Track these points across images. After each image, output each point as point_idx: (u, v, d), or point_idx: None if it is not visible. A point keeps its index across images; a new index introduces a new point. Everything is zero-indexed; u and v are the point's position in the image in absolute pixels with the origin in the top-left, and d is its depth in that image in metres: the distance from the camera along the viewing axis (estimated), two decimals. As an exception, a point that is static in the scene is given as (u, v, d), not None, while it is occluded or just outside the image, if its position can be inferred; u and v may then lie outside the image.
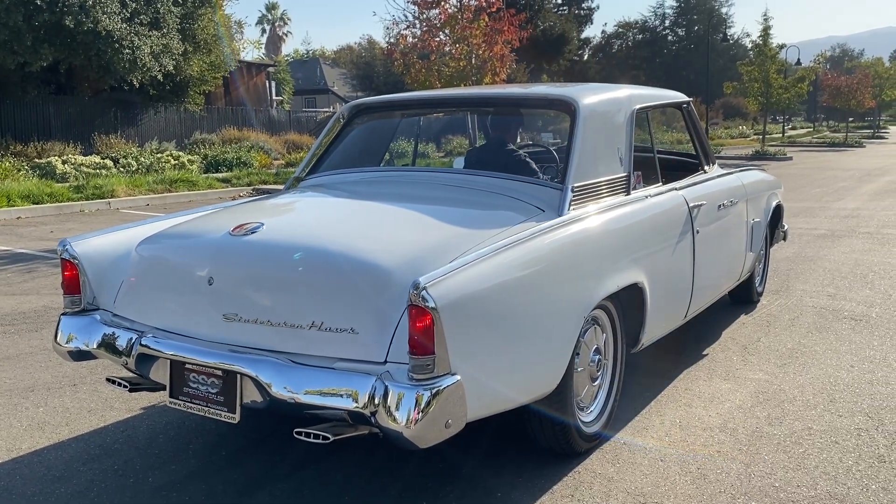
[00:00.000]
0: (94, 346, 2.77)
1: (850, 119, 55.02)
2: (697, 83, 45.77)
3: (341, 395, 2.21)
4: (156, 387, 2.73)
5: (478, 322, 2.30)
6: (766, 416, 3.59)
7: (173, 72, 19.92)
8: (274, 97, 33.45)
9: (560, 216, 2.89)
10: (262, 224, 2.64)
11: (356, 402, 2.19)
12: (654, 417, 3.57)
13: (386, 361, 2.24)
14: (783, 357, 4.45)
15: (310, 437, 2.28)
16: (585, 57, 61.52)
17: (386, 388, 2.16)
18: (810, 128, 66.83)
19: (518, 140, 4.05)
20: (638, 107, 3.58)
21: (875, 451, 3.22)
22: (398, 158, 5.03)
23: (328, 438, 2.26)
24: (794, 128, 66.22)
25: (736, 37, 63.31)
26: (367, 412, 2.18)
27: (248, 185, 15.07)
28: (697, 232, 3.74)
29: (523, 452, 3.14)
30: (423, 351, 2.14)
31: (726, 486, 2.93)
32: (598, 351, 3.09)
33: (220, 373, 2.44)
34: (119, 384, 2.78)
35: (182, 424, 3.46)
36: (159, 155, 17.18)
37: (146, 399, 3.75)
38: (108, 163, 15.74)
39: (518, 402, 2.57)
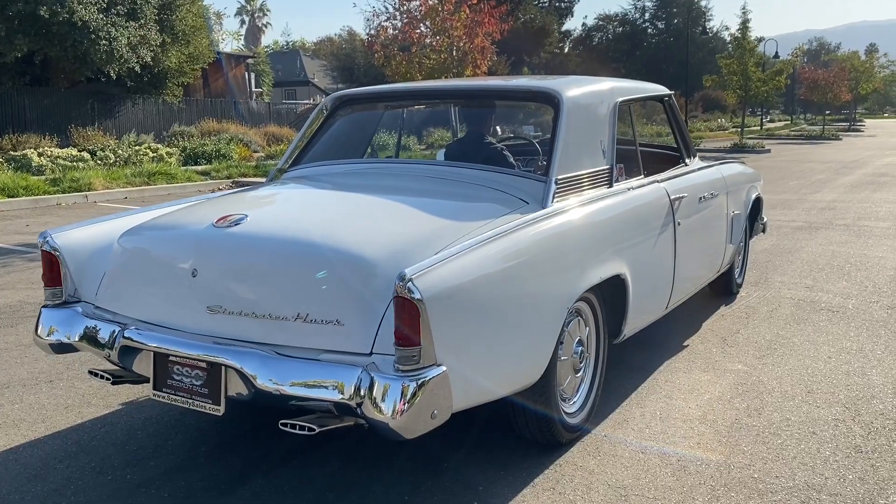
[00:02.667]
0: (76, 339, 2.75)
1: (828, 112, 55.62)
2: (677, 76, 45.99)
3: (327, 387, 2.21)
4: (138, 380, 2.72)
5: (463, 313, 2.29)
6: (745, 408, 3.62)
7: (151, 63, 19.69)
8: (253, 89, 33.20)
9: (544, 208, 2.91)
10: (246, 216, 2.61)
11: (342, 393, 2.19)
12: (635, 410, 3.59)
13: (371, 353, 2.23)
14: (762, 349, 4.49)
15: (295, 429, 2.26)
16: (566, 50, 61.62)
17: (372, 379, 2.16)
18: (788, 121, 67.45)
19: (500, 132, 4.12)
20: (620, 100, 3.59)
21: (852, 442, 3.25)
22: (381, 150, 4.83)
23: (314, 430, 2.24)
24: (772, 120, 66.79)
25: (715, 30, 63.60)
26: (352, 403, 2.18)
27: (228, 177, 14.95)
28: (679, 224, 3.78)
29: (505, 445, 3.15)
30: (409, 342, 2.14)
31: (706, 478, 2.95)
32: (580, 342, 3.11)
33: (204, 365, 2.42)
34: (102, 377, 2.76)
35: (161, 420, 3.43)
36: (137, 147, 16.99)
37: (124, 395, 3.72)
38: (86, 155, 15.55)
39: (502, 393, 2.57)
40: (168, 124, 22.32)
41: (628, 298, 3.24)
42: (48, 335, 2.82)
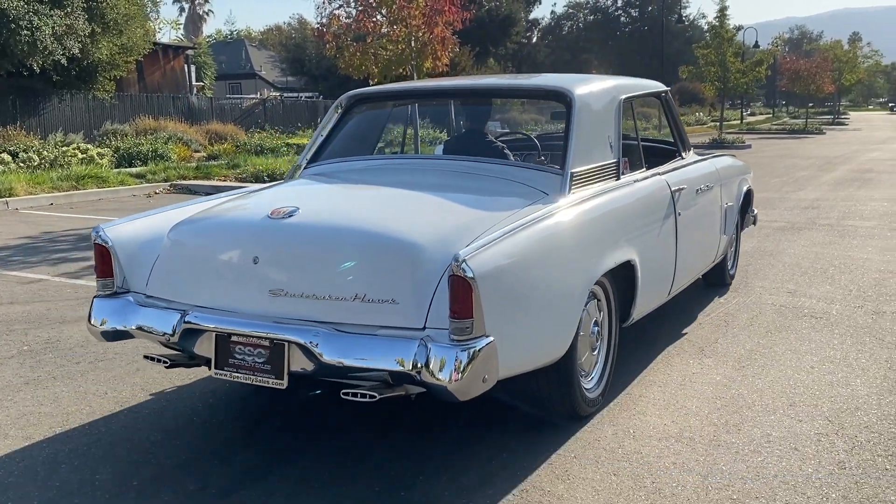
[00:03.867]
0: (134, 327, 3.20)
1: (811, 105, 56.68)
2: (652, 67, 46.62)
3: (388, 358, 2.70)
4: (191, 363, 3.22)
5: (506, 291, 2.80)
6: (723, 423, 3.66)
7: (79, 55, 19.35)
8: (194, 83, 32.85)
9: (563, 199, 3.44)
10: (298, 208, 3.10)
11: (403, 363, 2.67)
12: (606, 427, 3.60)
13: (425, 328, 2.73)
14: (741, 359, 4.55)
15: (356, 397, 2.76)
16: (534, 39, 62.11)
17: (431, 349, 2.66)
18: (769, 114, 68.74)
19: (497, 129, 4.71)
20: (624, 96, 4.12)
21: (835, 458, 3.31)
22: (395, 147, 5.51)
23: (374, 397, 2.74)
24: (752, 114, 68.03)
25: (692, 18, 64.68)
26: (413, 372, 2.66)
27: (166, 180, 14.75)
28: (679, 214, 4.33)
29: (464, 469, 3.15)
30: (463, 315, 2.65)
31: (682, 501, 2.97)
32: (596, 323, 3.63)
33: (267, 343, 2.89)
34: (158, 360, 3.21)
35: (87, 453, 3.36)
36: (65, 148, 16.68)
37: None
38: (6, 157, 15.22)
39: (536, 365, 3.08)
40: (99, 122, 21.97)
41: (637, 283, 3.76)
42: (101, 324, 3.27)
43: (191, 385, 4.14)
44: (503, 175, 3.69)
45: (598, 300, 3.64)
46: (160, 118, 22.71)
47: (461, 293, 2.66)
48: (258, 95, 38.76)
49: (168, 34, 52.51)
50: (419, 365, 2.68)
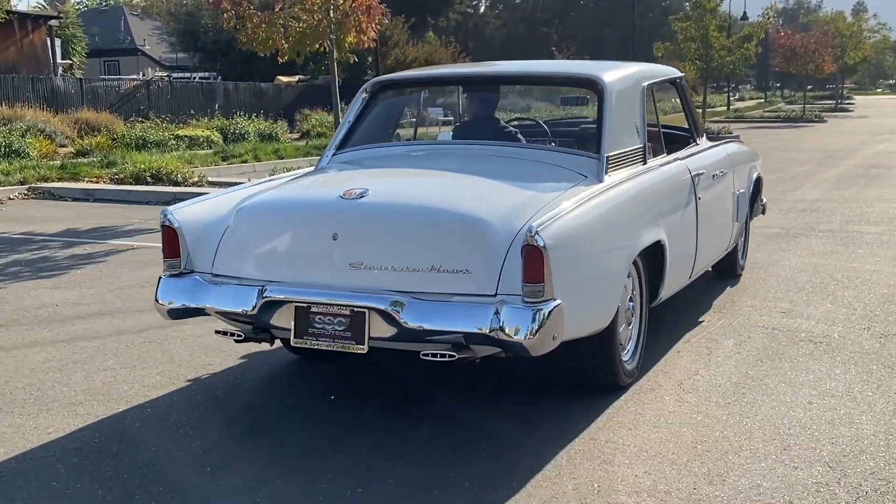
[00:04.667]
0: (206, 305, 4.16)
1: (809, 87, 58.39)
2: (623, 43, 47.52)
3: (468, 322, 3.67)
4: (259, 338, 4.27)
5: (569, 260, 3.80)
6: (705, 473, 3.72)
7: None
8: (59, 60, 32.23)
9: (600, 182, 4.46)
10: (368, 190, 4.09)
11: (482, 325, 3.64)
12: (566, 481, 3.63)
13: (496, 294, 3.71)
14: (727, 394, 4.64)
15: (436, 357, 3.75)
16: (482, 9, 62.70)
17: (507, 311, 3.63)
18: (761, 98, 70.47)
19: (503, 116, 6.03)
20: (646, 83, 5.18)
21: (837, 511, 3.38)
22: (421, 132, 6.56)
23: (454, 356, 3.75)
24: (741, 98, 69.65)
25: (668, -16, 66.08)
26: (491, 333, 3.62)
27: (22, 182, 14.38)
28: (699, 199, 5.39)
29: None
30: (536, 280, 3.61)
31: (656, 569, 2.99)
32: (631, 299, 4.64)
33: (347, 312, 3.84)
34: (229, 335, 4.24)
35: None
36: None
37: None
38: None
39: (589, 330, 4.09)
40: (-63, 110, 21.35)
41: (665, 264, 4.80)
42: (169, 302, 4.24)
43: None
44: (537, 159, 4.80)
45: (631, 278, 4.62)
46: (16, 105, 22.17)
47: (534, 261, 3.64)
48: (141, 76, 38.22)
49: (26, 1, 51.49)
50: (497, 326, 3.64)
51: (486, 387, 4.76)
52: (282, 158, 19.08)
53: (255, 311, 4.05)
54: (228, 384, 4.94)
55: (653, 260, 4.79)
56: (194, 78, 37.76)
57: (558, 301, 3.72)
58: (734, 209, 6.48)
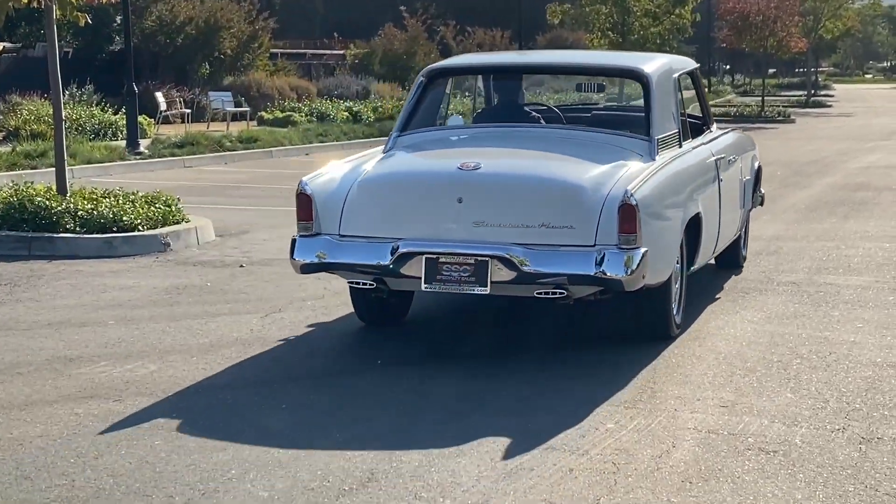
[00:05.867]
0: (340, 260, 7.42)
1: (770, 72, 60.71)
2: (503, 9, 48.48)
3: (578, 265, 6.98)
4: (380, 288, 7.72)
5: (650, 217, 7.03)
6: None
7: None
8: None
9: (653, 160, 7.66)
10: (480, 163, 7.42)
11: (587, 268, 6.96)
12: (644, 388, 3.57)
13: (595, 244, 6.94)
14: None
15: (549, 295, 7.17)
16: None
17: (609, 256, 6.93)
18: (704, 86, 72.69)
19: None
20: (676, 74, 8.71)
21: None
22: (467, 116, 11.19)
23: (564, 293, 7.13)
24: (679, 87, 71.42)
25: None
26: (595, 274, 6.86)
27: None
28: (721, 180, 8.91)
29: None
30: (630, 231, 6.88)
31: None
32: (678, 261, 7.86)
33: (472, 260, 7.00)
34: (364, 285, 7.63)
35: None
36: None
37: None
38: None
39: (658, 279, 7.36)
40: None
41: (702, 234, 8.07)
42: (304, 257, 7.52)
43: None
44: (599, 141, 8.34)
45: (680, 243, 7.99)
46: None
47: (629, 216, 6.72)
48: None
49: None
50: (601, 269, 6.69)
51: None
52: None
53: (390, 263, 7.31)
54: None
55: (690, 231, 8.16)
56: None
57: (646, 248, 7.03)
58: (741, 195, 10.21)
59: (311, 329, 8.59)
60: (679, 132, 8.63)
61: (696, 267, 8.49)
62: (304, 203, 7.61)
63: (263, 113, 33.96)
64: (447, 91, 9.66)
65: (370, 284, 7.64)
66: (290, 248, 7.72)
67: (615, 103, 12.33)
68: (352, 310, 8.63)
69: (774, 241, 12.45)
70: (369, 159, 8.25)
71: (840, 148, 27.10)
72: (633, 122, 8.95)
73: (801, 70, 78.73)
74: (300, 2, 68.61)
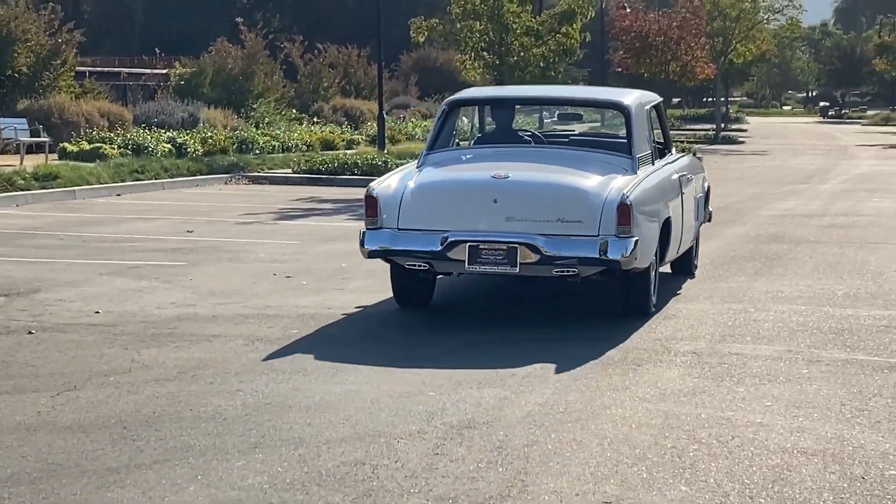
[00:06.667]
0: (401, 247, 12.31)
1: (675, 101, 61.46)
2: (360, 22, 48.73)
3: (587, 250, 11.81)
4: (430, 271, 12.79)
5: (639, 215, 12.04)
6: None
7: None
8: None
9: (635, 174, 12.76)
10: (508, 174, 12.55)
11: (594, 251, 11.74)
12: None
13: (598, 234, 11.80)
14: None
15: (563, 272, 12.10)
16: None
17: (611, 243, 11.70)
18: (595, 121, 73.63)
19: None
20: (647, 106, 14.35)
21: None
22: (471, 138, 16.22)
23: (575, 272, 12.04)
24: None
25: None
26: (599, 255, 11.68)
27: None
28: (683, 194, 14.06)
29: None
30: (626, 224, 11.77)
31: None
32: (655, 253, 12.88)
33: (504, 247, 11.91)
34: (418, 266, 12.44)
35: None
36: None
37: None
38: None
39: (642, 265, 12.21)
40: None
41: (671, 235, 13.20)
42: (371, 246, 12.42)
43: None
44: (591, 158, 13.17)
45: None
46: None
47: (626, 212, 11.57)
48: None
49: None
50: (605, 251, 11.44)
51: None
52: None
53: (441, 249, 11.54)
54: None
55: (662, 232, 12.33)
56: None
57: (637, 237, 11.30)
58: (696, 209, 14.78)
59: (114, 408, 8.40)
60: (652, 153, 13.56)
61: (665, 262, 13.45)
62: (371, 203, 12.15)
63: (67, 144, 33.18)
64: (461, 117, 15.92)
65: (423, 266, 12.08)
66: (359, 240, 12.34)
67: (588, 128, 18.96)
68: (176, 393, 8.96)
69: (673, 303, 12.74)
70: (410, 171, 13.06)
71: (753, 192, 27.68)
72: (614, 144, 13.98)
73: (710, 100, 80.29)
74: (115, 11, 68.22)
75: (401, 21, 47.45)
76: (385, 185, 12.64)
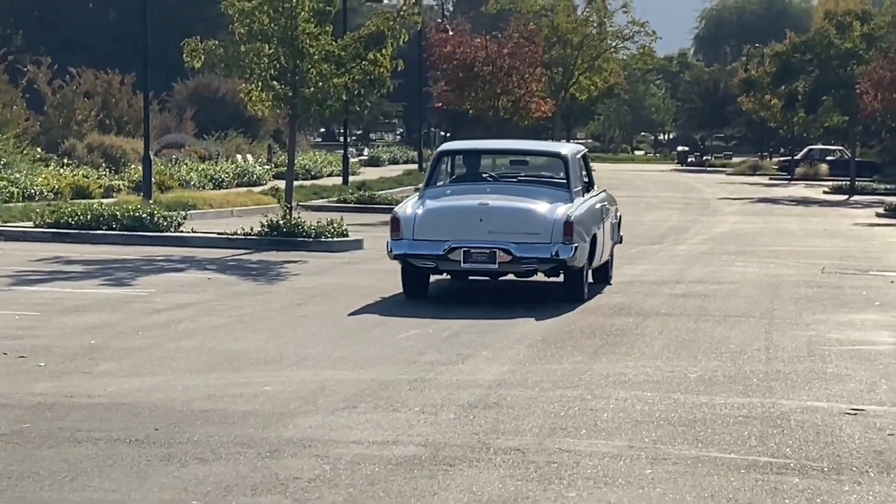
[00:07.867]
0: (416, 252, 24.87)
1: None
2: (123, 43, 48.79)
3: (544, 253, 24.56)
4: (436, 270, 25.69)
5: (578, 229, 25.10)
6: None
7: None
8: None
9: (573, 202, 26.04)
10: (488, 203, 25.64)
11: (548, 254, 24.43)
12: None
13: (551, 242, 24.54)
14: None
15: (528, 269, 25.30)
16: None
17: (560, 248, 24.35)
18: (413, 165, 73.93)
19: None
20: (578, 155, 29.26)
21: None
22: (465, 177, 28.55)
23: (536, 269, 25.14)
24: (375, 160, 72.41)
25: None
26: (553, 256, 24.28)
27: None
28: (605, 219, 27.69)
29: None
30: (569, 235, 24.51)
31: None
32: (587, 257, 26.48)
33: (487, 251, 24.74)
34: (426, 266, 25.12)
35: None
36: None
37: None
38: None
39: (580, 265, 25.20)
40: None
41: (596, 247, 26.36)
42: (397, 251, 24.83)
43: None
44: (541, 191, 26.25)
45: (588, 248, 25.88)
46: None
47: (570, 228, 23.99)
48: None
49: None
50: (556, 254, 23.52)
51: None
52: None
53: (444, 253, 22.80)
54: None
55: (591, 245, 24.26)
56: None
57: (577, 245, 22.88)
58: (612, 232, 27.19)
59: None
60: (583, 189, 24.32)
61: (592, 266, 23.89)
62: (396, 222, 22.32)
63: None
64: (447, 163, 26.72)
65: (431, 265, 22.10)
66: (386, 249, 22.22)
67: (531, 171, 27.75)
68: None
69: (495, 389, 12.80)
70: (416, 201, 23.57)
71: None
72: (556, 182, 25.00)
73: (548, 137, 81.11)
74: None
75: (174, 41, 47.18)
76: (403, 210, 23.29)
